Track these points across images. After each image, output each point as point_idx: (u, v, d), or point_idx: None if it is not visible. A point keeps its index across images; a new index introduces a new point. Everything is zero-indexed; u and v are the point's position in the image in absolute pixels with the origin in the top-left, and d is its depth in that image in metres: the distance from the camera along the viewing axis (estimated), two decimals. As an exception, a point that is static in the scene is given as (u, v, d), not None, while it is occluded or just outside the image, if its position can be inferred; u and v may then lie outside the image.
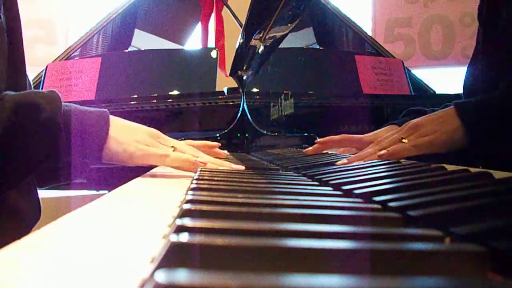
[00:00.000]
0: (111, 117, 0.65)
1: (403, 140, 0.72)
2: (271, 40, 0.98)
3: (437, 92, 1.85)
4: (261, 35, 0.94)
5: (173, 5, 2.16)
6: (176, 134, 1.37)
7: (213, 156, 0.75)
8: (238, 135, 1.38)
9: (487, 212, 0.30)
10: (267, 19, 0.85)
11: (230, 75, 1.33)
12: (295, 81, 1.59)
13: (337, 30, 1.99)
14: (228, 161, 0.76)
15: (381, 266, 0.20)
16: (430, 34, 3.00)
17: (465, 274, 0.20)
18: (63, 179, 0.69)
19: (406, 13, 3.02)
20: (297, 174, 0.65)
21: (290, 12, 0.83)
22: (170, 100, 1.41)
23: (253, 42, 0.98)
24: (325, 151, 0.99)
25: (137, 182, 0.59)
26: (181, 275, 0.16)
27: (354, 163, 0.69)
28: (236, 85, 1.38)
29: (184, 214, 0.29)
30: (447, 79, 2.91)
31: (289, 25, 0.90)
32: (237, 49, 1.07)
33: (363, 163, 0.68)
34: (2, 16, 0.63)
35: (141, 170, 0.72)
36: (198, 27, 2.17)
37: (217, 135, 1.37)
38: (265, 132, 1.40)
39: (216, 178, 0.52)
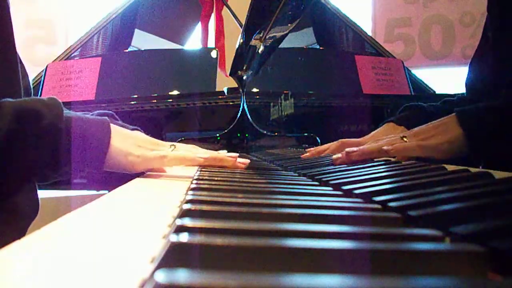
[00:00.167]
0: (112, 126, 0.65)
1: (404, 139, 0.72)
2: (271, 40, 0.98)
3: (437, 92, 1.85)
4: (261, 35, 0.94)
5: (173, 5, 2.16)
6: (176, 134, 1.38)
7: (236, 167, 0.72)
8: (238, 135, 1.38)
9: (487, 212, 0.30)
10: (267, 19, 0.85)
11: (230, 75, 1.33)
12: (295, 81, 1.59)
13: (337, 30, 1.99)
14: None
15: (381, 266, 0.20)
16: (430, 34, 3.00)
17: (465, 274, 0.20)
18: (64, 182, 0.68)
19: (406, 13, 3.03)
20: (297, 174, 0.65)
21: (290, 12, 0.83)
22: (170, 100, 1.41)
23: (253, 42, 0.98)
24: None
25: (137, 182, 0.58)
26: (181, 275, 0.16)
27: (354, 164, 0.69)
28: (236, 85, 1.38)
29: (184, 214, 0.29)
30: (447, 79, 2.91)
31: (289, 25, 0.90)
32: (237, 49, 1.07)
33: (363, 163, 0.68)
34: None
35: (141, 170, 0.72)
36: (198, 27, 2.17)
37: (217, 135, 1.37)
38: (265, 132, 1.40)
39: (216, 178, 0.52)
